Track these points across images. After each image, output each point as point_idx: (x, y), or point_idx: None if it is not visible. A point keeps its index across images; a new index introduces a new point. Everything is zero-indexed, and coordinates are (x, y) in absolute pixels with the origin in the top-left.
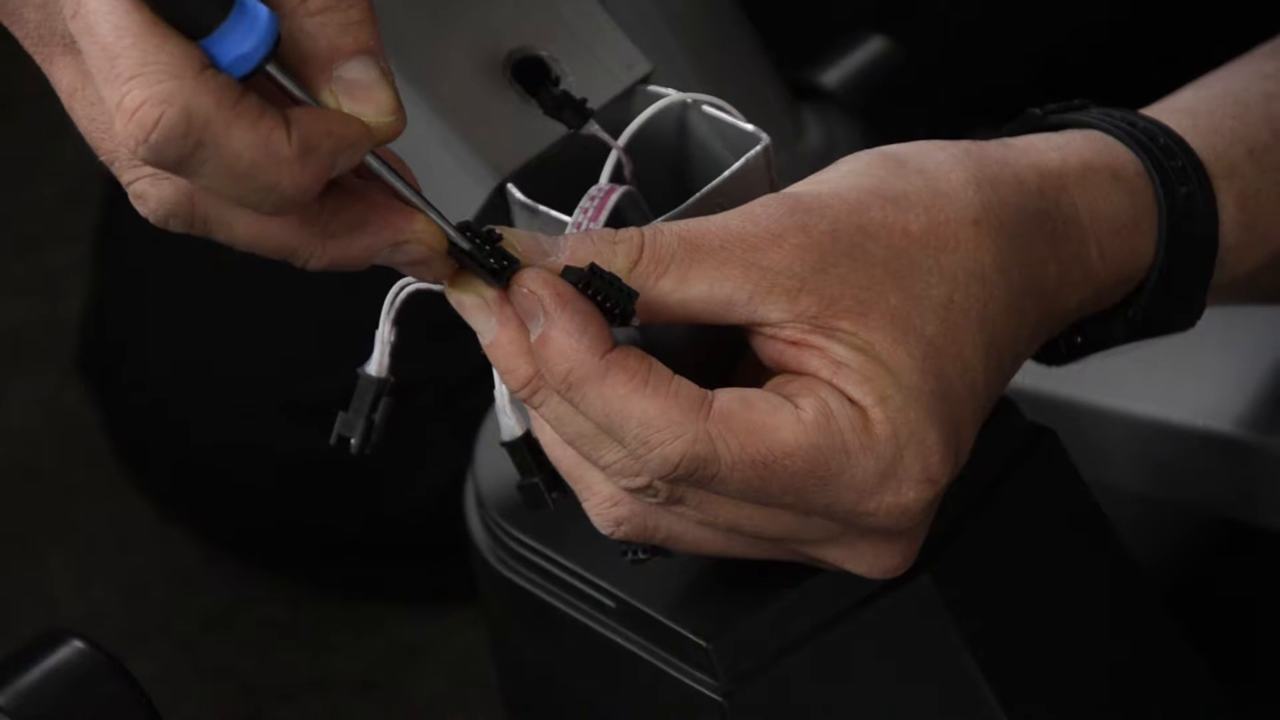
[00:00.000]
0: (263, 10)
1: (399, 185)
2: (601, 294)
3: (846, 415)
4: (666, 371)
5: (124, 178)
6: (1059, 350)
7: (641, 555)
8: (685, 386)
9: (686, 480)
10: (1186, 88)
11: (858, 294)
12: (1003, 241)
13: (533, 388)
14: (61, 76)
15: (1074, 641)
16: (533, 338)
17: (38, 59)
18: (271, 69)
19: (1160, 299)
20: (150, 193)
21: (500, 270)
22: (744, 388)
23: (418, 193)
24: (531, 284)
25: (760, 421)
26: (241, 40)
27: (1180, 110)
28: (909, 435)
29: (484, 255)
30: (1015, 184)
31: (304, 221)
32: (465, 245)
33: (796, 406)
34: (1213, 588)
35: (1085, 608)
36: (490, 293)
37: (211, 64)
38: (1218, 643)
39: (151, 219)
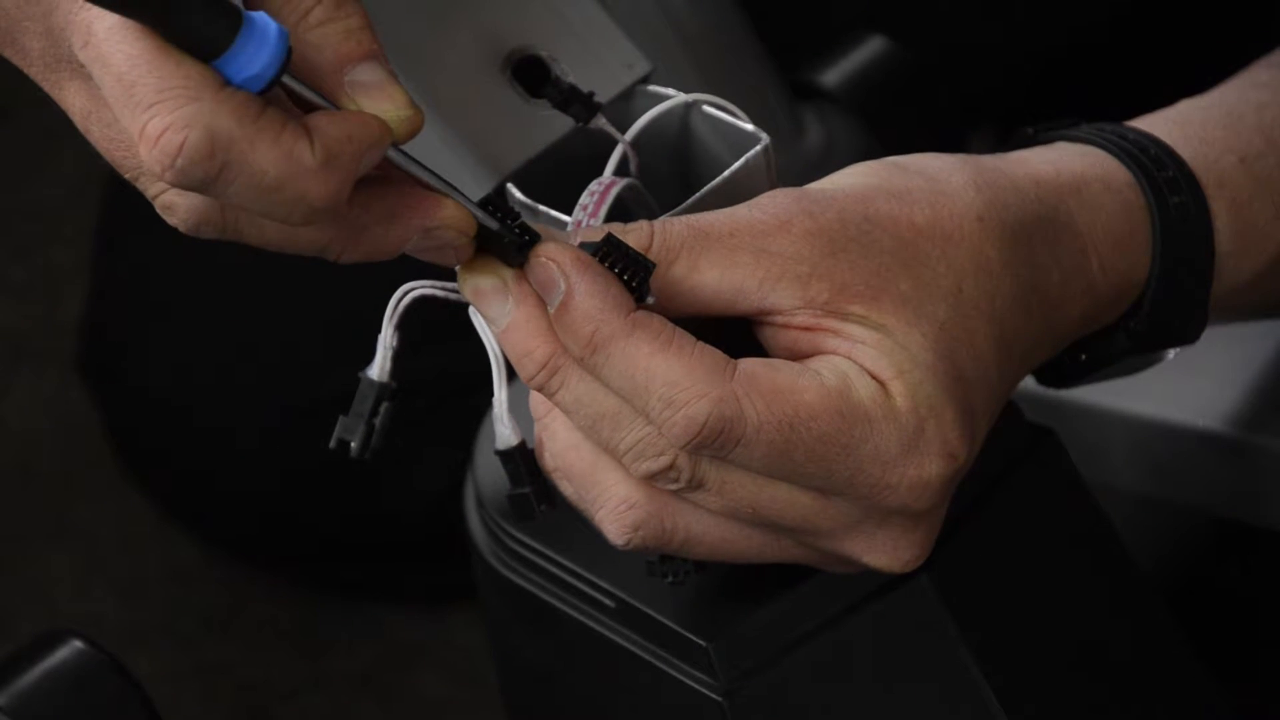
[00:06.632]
0: (272, 25)
1: (423, 173)
2: (619, 265)
3: (867, 386)
4: (689, 335)
5: (150, 191)
6: (1062, 370)
7: (682, 577)
8: (708, 350)
9: (712, 446)
10: (1182, 101)
11: (868, 279)
12: (1006, 238)
13: (551, 369)
14: (73, 101)
15: (1074, 641)
16: (552, 309)
17: (45, 86)
18: (288, 79)
19: (1160, 309)
20: (179, 203)
21: (525, 245)
22: (764, 357)
23: (441, 178)
24: (550, 252)
25: (786, 383)
26: (253, 58)
27: (1171, 120)
28: (929, 409)
29: (510, 230)
30: (1014, 190)
31: (335, 218)
32: (494, 223)
33: (819, 374)
34: (1213, 588)
35: (1085, 608)
36: (508, 273)
37: (228, 82)
38: (1218, 643)
39: (182, 229)
